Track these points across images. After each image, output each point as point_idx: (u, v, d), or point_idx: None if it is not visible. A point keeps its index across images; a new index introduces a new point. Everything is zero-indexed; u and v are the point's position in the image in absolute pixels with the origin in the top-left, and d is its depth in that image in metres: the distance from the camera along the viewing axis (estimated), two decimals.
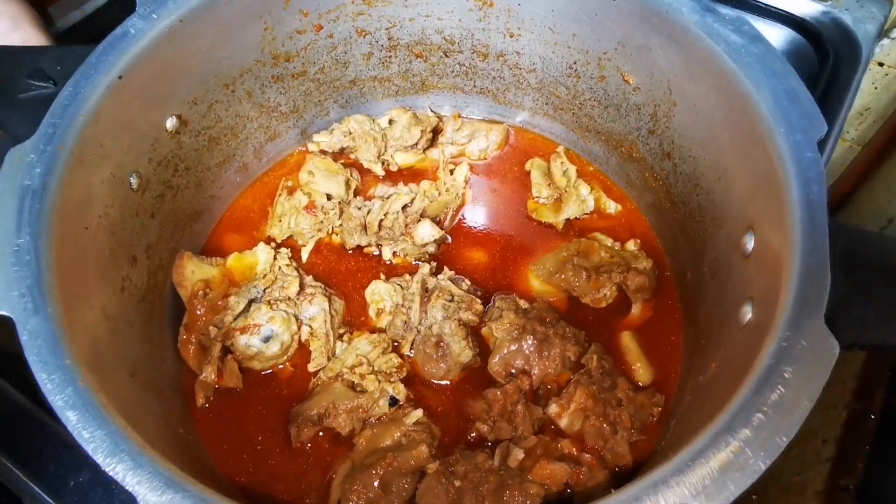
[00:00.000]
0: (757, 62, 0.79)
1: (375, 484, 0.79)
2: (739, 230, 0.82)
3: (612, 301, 0.99)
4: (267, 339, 0.93)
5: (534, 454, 0.81)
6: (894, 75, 1.35)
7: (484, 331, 0.96)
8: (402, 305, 0.96)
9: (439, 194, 1.08)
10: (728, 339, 0.78)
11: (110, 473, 0.55)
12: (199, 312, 0.88)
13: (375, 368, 0.91)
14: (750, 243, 0.79)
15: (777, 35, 1.22)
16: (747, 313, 0.74)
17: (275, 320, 0.94)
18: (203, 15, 0.88)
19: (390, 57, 1.13)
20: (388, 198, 1.06)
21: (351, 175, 1.12)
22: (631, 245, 1.04)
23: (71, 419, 0.57)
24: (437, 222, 1.07)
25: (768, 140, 0.74)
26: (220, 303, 0.91)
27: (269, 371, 0.95)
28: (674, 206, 1.01)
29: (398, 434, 0.83)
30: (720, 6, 0.82)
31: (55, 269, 0.67)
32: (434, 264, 1.03)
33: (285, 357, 0.96)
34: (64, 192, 0.72)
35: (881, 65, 1.34)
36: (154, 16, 0.84)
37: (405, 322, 0.95)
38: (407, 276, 1.01)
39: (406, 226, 1.04)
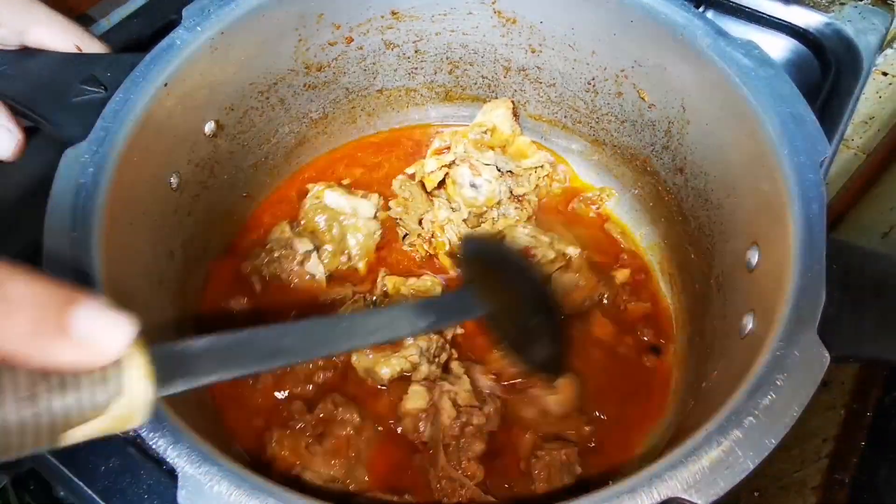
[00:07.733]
0: (765, 86, 0.82)
1: None
2: (745, 245, 0.85)
3: None
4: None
5: None
6: None
7: None
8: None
9: None
10: (729, 349, 0.82)
11: (153, 446, 0.60)
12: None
13: None
14: (754, 258, 0.82)
15: (781, 46, 1.25)
16: (748, 324, 0.77)
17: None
18: (242, 27, 0.94)
19: (416, 69, 1.18)
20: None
21: None
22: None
23: None
24: None
25: (774, 160, 0.78)
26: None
27: None
28: (685, 220, 1.05)
29: None
30: (731, 22, 0.82)
31: (104, 263, 0.73)
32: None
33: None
34: (113, 190, 0.77)
35: (885, 74, 1.36)
36: (198, 28, 0.90)
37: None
38: None
39: None
